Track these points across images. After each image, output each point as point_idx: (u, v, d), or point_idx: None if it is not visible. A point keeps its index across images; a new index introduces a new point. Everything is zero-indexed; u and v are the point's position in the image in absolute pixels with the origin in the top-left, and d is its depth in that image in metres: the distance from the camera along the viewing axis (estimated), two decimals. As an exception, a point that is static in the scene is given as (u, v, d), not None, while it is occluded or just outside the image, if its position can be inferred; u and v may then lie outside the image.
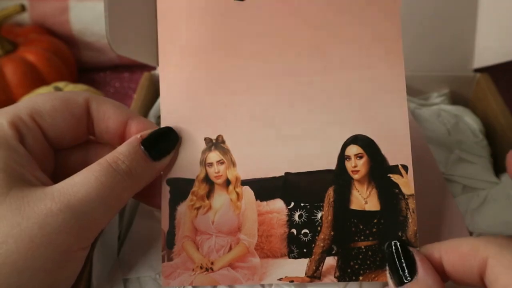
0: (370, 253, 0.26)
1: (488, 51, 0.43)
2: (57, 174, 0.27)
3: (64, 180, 0.24)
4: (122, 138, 0.28)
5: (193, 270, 0.26)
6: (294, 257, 0.26)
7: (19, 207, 0.22)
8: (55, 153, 0.27)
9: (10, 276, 0.21)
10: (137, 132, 0.27)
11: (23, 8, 0.50)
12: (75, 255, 0.24)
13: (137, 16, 0.43)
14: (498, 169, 0.37)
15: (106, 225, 0.25)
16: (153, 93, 0.45)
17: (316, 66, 0.27)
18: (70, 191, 0.23)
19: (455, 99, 0.45)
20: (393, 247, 0.24)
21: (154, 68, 0.46)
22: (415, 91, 0.45)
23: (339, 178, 0.26)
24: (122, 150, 0.25)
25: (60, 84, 0.46)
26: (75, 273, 0.24)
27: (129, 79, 0.58)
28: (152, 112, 0.43)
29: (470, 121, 0.40)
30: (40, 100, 0.26)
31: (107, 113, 0.27)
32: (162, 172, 0.28)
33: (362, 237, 0.26)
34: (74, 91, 0.31)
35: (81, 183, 0.23)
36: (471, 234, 0.30)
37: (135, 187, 0.26)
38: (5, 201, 0.22)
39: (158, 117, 0.43)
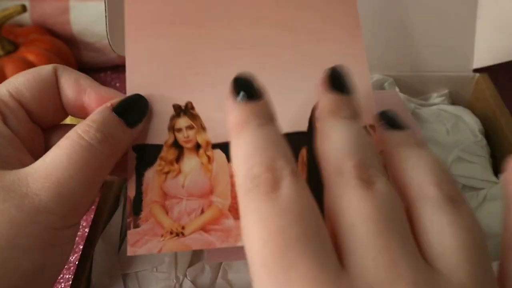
0: None
1: (488, 51, 0.43)
2: None
3: (36, 162, 0.22)
4: (82, 111, 0.26)
5: (162, 236, 0.25)
6: None
7: None
8: (45, 134, 0.27)
9: None
10: (97, 100, 0.26)
11: (24, 9, 0.50)
12: (62, 233, 0.23)
13: (137, 16, 0.43)
14: (497, 168, 0.37)
15: (92, 200, 0.24)
16: (154, 93, 0.45)
17: (285, 39, 0.29)
18: (43, 174, 0.22)
19: (454, 99, 0.45)
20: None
21: (154, 68, 0.46)
22: (415, 91, 0.45)
23: (311, 138, 0.26)
24: (94, 118, 0.24)
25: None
26: (65, 253, 0.24)
27: (129, 79, 0.58)
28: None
29: (470, 121, 0.40)
30: (14, 77, 0.25)
31: (68, 81, 0.26)
32: None
33: None
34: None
35: (52, 164, 0.22)
36: (470, 233, 0.30)
37: (114, 155, 0.24)
38: None
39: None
